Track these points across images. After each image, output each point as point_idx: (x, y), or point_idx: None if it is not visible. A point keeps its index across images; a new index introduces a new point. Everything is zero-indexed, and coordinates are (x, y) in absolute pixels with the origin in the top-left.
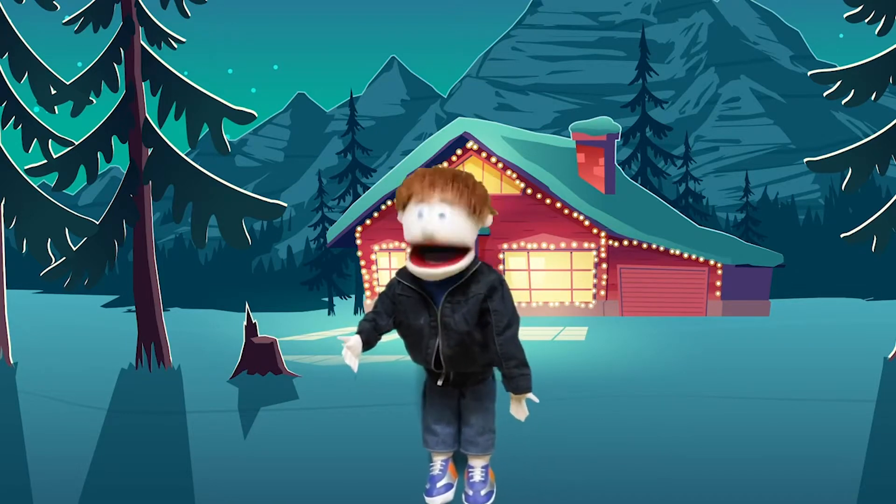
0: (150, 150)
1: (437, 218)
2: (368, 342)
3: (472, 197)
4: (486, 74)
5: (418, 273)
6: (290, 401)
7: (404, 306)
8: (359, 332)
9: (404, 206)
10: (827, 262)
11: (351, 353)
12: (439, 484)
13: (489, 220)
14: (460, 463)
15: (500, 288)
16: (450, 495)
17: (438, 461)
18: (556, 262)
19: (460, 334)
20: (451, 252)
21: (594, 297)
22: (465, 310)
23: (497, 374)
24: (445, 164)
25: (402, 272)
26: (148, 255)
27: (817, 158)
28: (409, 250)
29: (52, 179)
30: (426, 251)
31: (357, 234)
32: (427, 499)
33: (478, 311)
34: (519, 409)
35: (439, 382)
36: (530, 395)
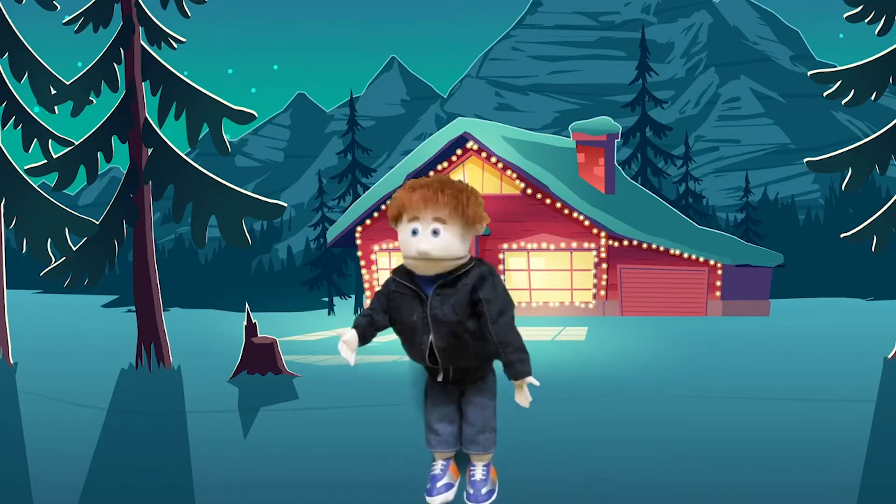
0: (150, 150)
1: (431, 235)
2: (364, 337)
3: (465, 210)
4: (486, 74)
5: (415, 263)
6: (290, 401)
7: (398, 303)
8: (355, 327)
9: (397, 221)
10: (827, 262)
11: (347, 346)
12: (439, 483)
13: (483, 227)
14: (462, 462)
15: (489, 277)
16: (450, 495)
17: (440, 461)
18: (556, 262)
19: (450, 325)
20: None
21: (594, 297)
22: (454, 300)
23: (498, 369)
24: (446, 164)
25: (398, 270)
26: (148, 255)
27: (817, 158)
28: None
29: (52, 179)
30: None
31: (357, 234)
32: (427, 498)
33: (468, 302)
34: (522, 396)
35: (439, 378)
36: (531, 379)
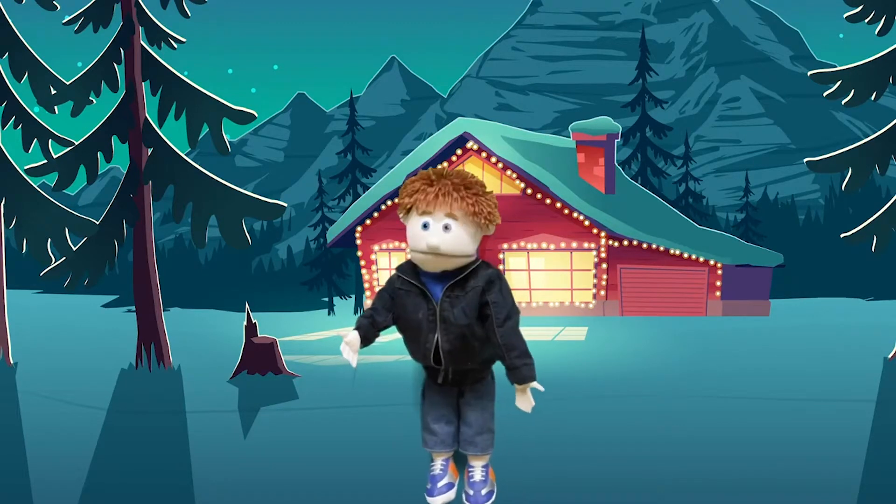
0: (150, 150)
1: (442, 230)
2: (366, 338)
3: (478, 209)
4: (486, 74)
5: (422, 258)
6: (290, 401)
7: (403, 300)
8: (357, 328)
9: (407, 212)
10: (827, 262)
11: (349, 348)
12: (440, 483)
13: (493, 227)
14: (460, 462)
15: (497, 281)
16: (451, 495)
17: (439, 461)
18: (556, 262)
19: (460, 328)
20: None
21: (594, 297)
22: (464, 303)
23: (496, 372)
24: (446, 164)
25: (402, 267)
26: (148, 255)
27: (817, 158)
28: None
29: (52, 179)
30: None
31: (357, 234)
32: (428, 499)
33: (477, 305)
34: (524, 400)
35: (439, 380)
36: (535, 384)
